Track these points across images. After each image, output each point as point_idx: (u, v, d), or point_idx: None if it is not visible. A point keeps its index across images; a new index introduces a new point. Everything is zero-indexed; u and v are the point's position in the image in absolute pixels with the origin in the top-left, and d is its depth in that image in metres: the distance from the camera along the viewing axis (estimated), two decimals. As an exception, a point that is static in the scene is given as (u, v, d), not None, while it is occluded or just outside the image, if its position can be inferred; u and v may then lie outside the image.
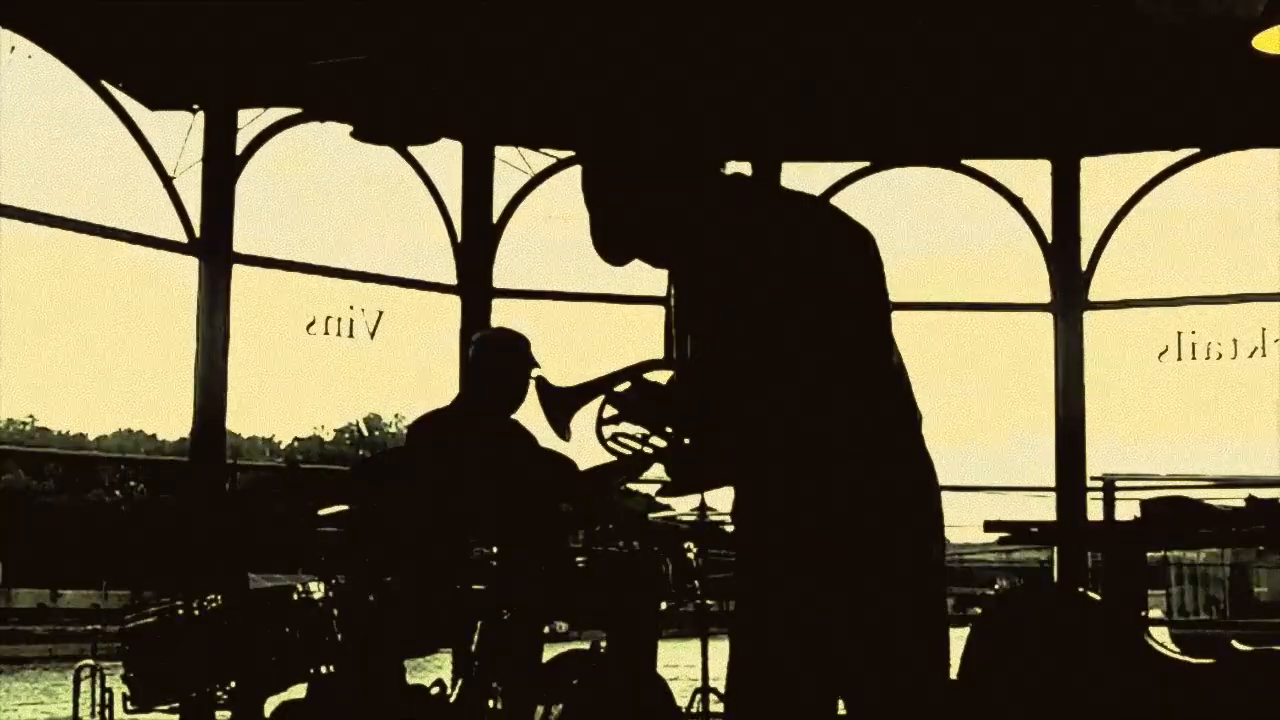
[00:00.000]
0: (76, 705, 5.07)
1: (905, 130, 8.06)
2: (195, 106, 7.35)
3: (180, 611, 4.75)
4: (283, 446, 63.34)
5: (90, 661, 5.16)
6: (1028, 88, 7.46)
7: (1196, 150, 8.12)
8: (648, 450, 2.85)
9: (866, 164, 8.35)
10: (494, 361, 5.37)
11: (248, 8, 6.57)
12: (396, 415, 65.71)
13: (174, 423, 64.12)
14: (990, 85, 7.41)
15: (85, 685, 5.17)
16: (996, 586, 38.75)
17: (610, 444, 2.87)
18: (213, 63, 7.10)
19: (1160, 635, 5.60)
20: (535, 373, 4.93)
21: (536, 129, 8.16)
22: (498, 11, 6.65)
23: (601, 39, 6.89)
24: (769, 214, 2.75)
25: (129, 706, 4.76)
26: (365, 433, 63.65)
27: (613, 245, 2.84)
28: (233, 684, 4.72)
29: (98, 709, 5.09)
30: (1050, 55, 7.06)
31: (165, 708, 4.82)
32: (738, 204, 2.77)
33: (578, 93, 7.35)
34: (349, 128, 7.38)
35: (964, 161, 8.39)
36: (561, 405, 2.87)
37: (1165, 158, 8.16)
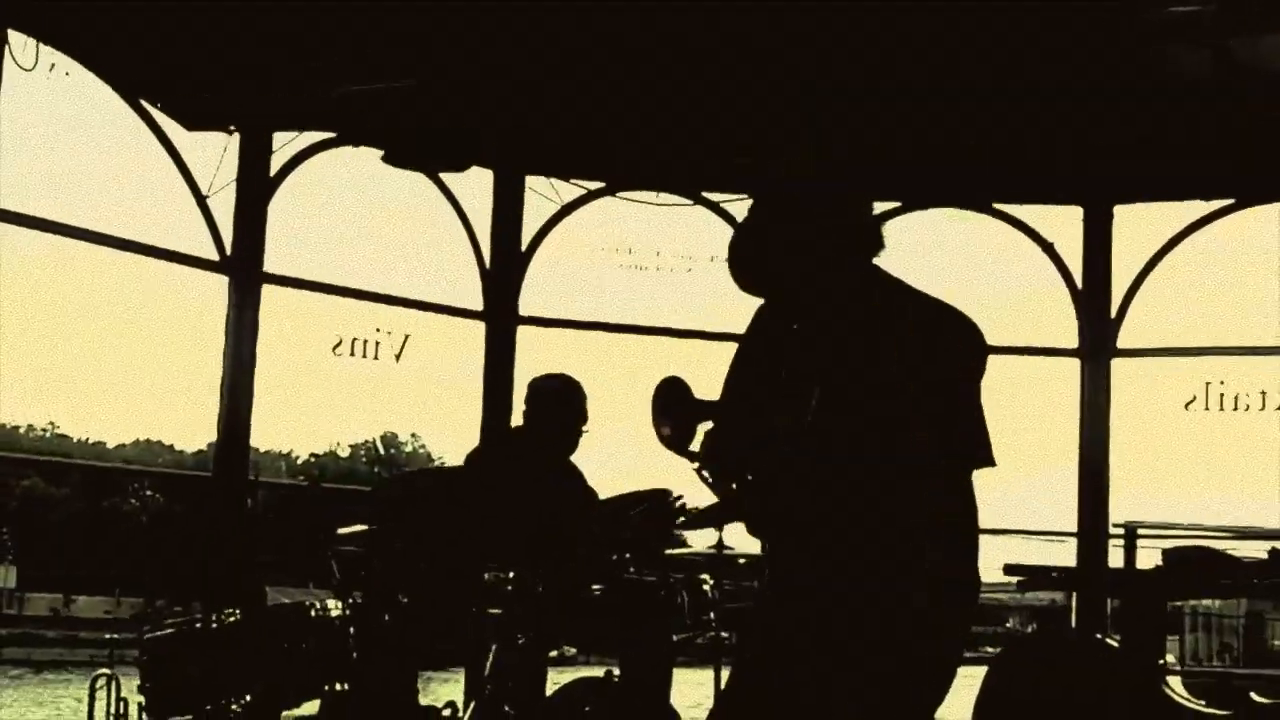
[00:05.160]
0: (91, 715, 5.08)
1: (937, 172, 8.07)
2: (231, 128, 7.41)
3: (198, 625, 4.77)
4: (299, 461, 63.45)
5: (107, 671, 5.16)
6: (1061, 134, 7.47)
7: (1231, 201, 8.10)
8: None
9: (898, 204, 8.37)
10: (543, 413, 5.43)
11: (285, 33, 6.64)
12: (413, 434, 65.85)
13: (193, 434, 64.27)
14: (1024, 130, 7.41)
15: (100, 695, 5.18)
16: (1008, 625, 38.58)
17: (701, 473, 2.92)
18: (250, 85, 7.16)
19: (1175, 683, 5.59)
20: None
21: (567, 159, 8.21)
22: (532, 42, 6.70)
23: (635, 71, 6.94)
24: (908, 303, 2.83)
25: (144, 718, 4.76)
26: (381, 450, 63.73)
27: (758, 279, 2.88)
28: (248, 698, 4.73)
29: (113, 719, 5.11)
30: (1085, 102, 7.07)
31: (181, 720, 4.83)
32: (882, 288, 2.85)
33: (610, 124, 7.40)
34: (381, 153, 7.43)
35: (996, 205, 8.40)
36: (693, 415, 2.90)
37: (1199, 207, 8.14)
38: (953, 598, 2.73)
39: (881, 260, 2.90)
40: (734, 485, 2.89)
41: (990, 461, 2.78)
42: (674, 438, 2.91)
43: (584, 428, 5.45)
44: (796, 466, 2.76)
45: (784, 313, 2.95)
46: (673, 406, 2.92)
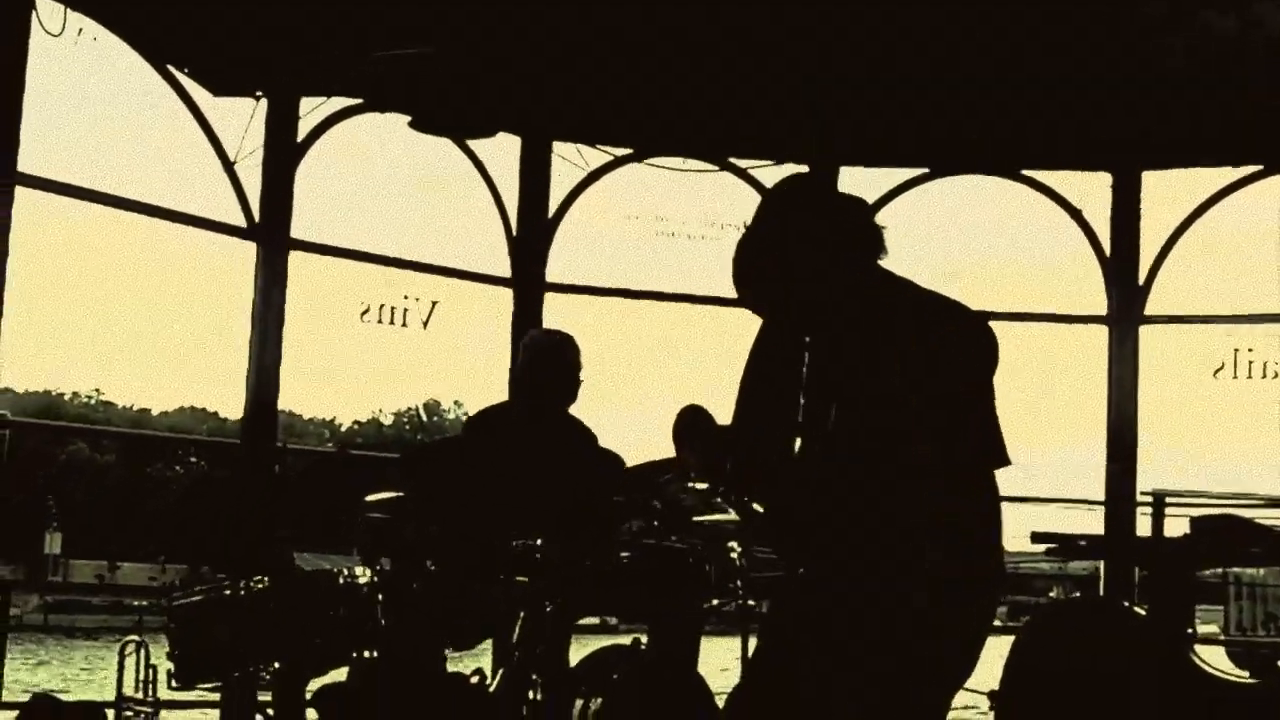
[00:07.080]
0: (121, 680, 5.15)
1: (965, 138, 8.02)
2: (258, 93, 7.43)
3: (226, 591, 4.80)
4: (342, 429, 63.72)
5: (135, 637, 5.23)
6: (1090, 99, 7.41)
7: (1260, 167, 8.03)
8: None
9: (925, 170, 8.33)
10: (538, 365, 5.40)
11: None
12: (456, 402, 66.01)
13: (236, 401, 64.53)
14: (1052, 96, 7.36)
15: (130, 661, 5.24)
16: (1051, 594, 38.47)
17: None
18: (277, 50, 7.18)
19: (1215, 652, 5.56)
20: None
21: (595, 125, 8.19)
22: (559, 7, 6.69)
23: (663, 36, 6.92)
24: (912, 307, 2.83)
25: (172, 684, 4.81)
26: (424, 418, 63.90)
27: (759, 289, 2.88)
28: (276, 665, 4.77)
29: (141, 685, 5.16)
30: (1113, 67, 7.01)
31: (208, 686, 4.87)
32: (885, 288, 2.85)
33: (637, 90, 7.38)
34: (408, 118, 7.44)
35: (1024, 172, 8.34)
36: (715, 442, 2.92)
37: (1228, 173, 8.08)
38: (953, 598, 2.72)
39: (888, 260, 2.89)
40: (758, 512, 2.92)
41: (1003, 462, 2.79)
42: (699, 466, 2.93)
43: (579, 376, 5.39)
44: (801, 467, 2.77)
45: (791, 316, 2.95)
46: (695, 436, 2.92)
